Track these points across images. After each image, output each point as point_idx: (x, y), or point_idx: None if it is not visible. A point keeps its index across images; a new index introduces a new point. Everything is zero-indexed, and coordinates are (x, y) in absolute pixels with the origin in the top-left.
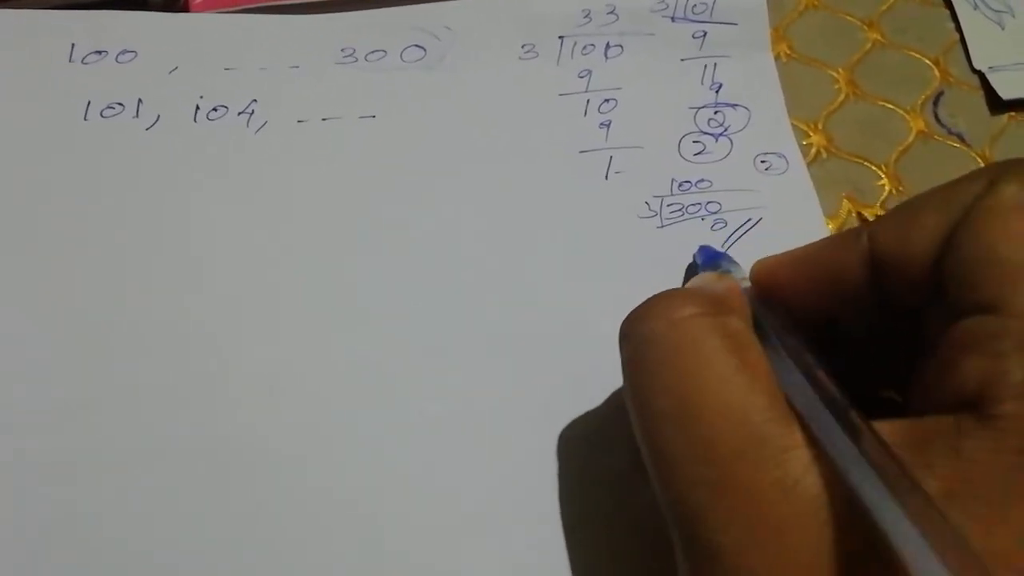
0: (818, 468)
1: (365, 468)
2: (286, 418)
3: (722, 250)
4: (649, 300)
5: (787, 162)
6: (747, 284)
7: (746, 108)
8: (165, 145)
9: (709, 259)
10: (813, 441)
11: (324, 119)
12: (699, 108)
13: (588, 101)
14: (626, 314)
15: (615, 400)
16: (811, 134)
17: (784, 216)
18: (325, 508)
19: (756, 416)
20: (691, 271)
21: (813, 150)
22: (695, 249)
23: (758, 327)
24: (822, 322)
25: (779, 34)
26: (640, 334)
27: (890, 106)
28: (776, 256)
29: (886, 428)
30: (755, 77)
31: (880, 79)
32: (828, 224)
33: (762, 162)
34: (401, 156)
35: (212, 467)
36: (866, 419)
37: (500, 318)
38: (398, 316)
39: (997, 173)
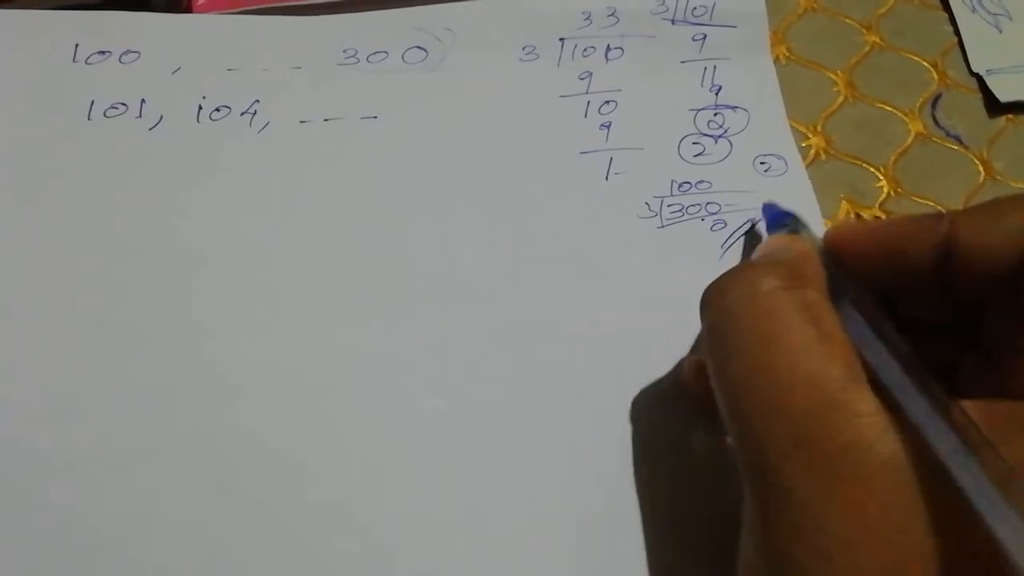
0: (892, 434)
1: (365, 466)
2: (287, 418)
3: (789, 208)
4: (731, 272)
5: (786, 164)
6: (817, 244)
7: (745, 110)
8: (168, 145)
9: (775, 219)
10: (889, 406)
11: (326, 119)
12: (699, 110)
13: (588, 103)
14: (625, 311)
15: (616, 401)
16: (810, 136)
17: None
18: (325, 506)
19: (829, 384)
20: (750, 237)
21: (812, 152)
22: (690, 252)
23: (832, 290)
24: (883, 295)
25: (778, 36)
26: (722, 306)
27: (889, 108)
28: (852, 222)
29: (963, 404)
30: (755, 79)
31: (879, 81)
32: (827, 225)
33: (761, 163)
34: (402, 156)
35: (212, 465)
36: (942, 388)
37: (501, 318)
38: (399, 315)
39: None
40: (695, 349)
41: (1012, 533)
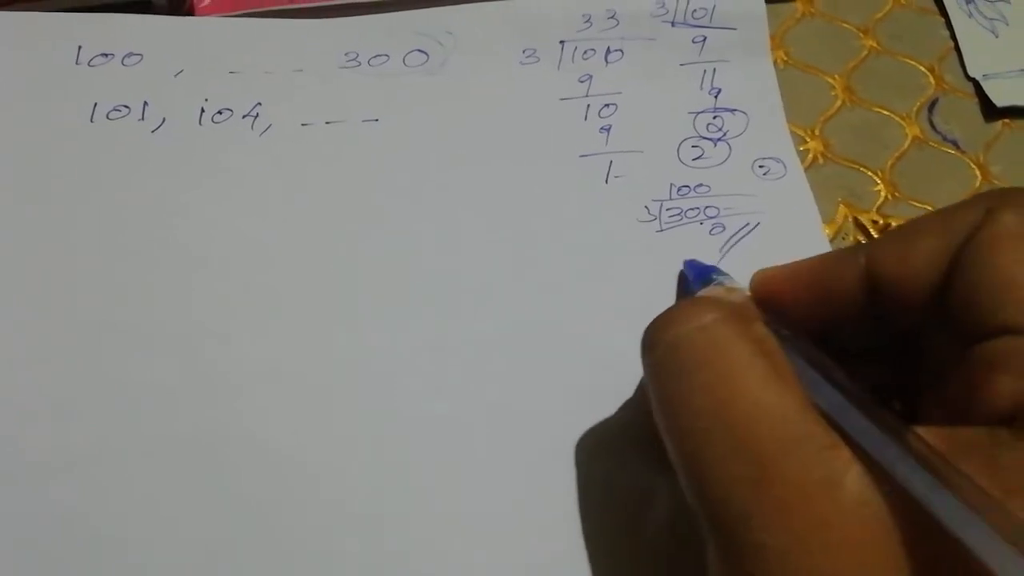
0: (857, 467)
1: (365, 466)
2: (288, 418)
3: (711, 263)
4: (671, 308)
5: (785, 167)
6: (746, 294)
7: (744, 113)
8: (170, 147)
9: (700, 274)
10: (848, 442)
11: (328, 122)
12: (698, 113)
13: (588, 105)
14: (624, 314)
15: (617, 405)
16: (808, 140)
17: (782, 221)
18: (326, 506)
19: (795, 416)
20: (682, 281)
21: (810, 156)
22: (689, 255)
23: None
24: (818, 336)
25: (776, 41)
26: (669, 339)
27: (886, 113)
28: (774, 268)
29: (922, 434)
30: (754, 82)
31: (876, 86)
32: (825, 229)
33: (760, 167)
34: (403, 159)
35: (212, 465)
36: (900, 419)
37: (500, 320)
38: (399, 317)
39: (992, 202)
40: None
41: (1001, 559)
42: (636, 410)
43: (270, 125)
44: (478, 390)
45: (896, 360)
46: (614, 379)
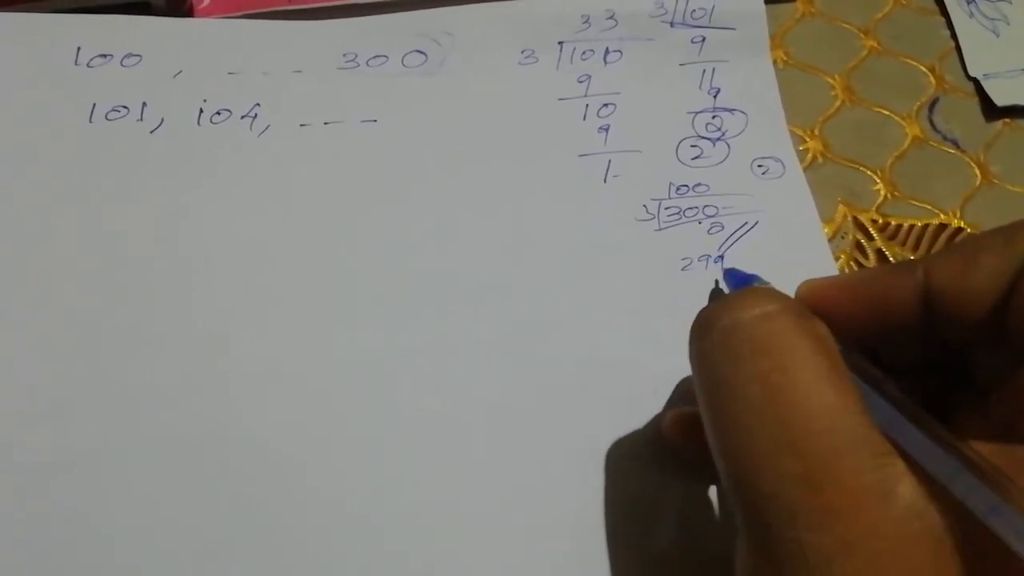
0: (911, 478)
1: (364, 466)
2: (287, 418)
3: (751, 272)
4: (729, 295)
5: (784, 166)
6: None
7: (744, 113)
8: (169, 148)
9: (742, 281)
10: (903, 454)
11: (326, 123)
12: (697, 113)
13: (587, 106)
14: (622, 312)
15: (616, 405)
16: (807, 139)
17: (781, 220)
18: (325, 506)
19: (852, 419)
20: (715, 296)
21: (809, 155)
22: (687, 255)
23: None
24: (864, 350)
25: (776, 41)
26: (728, 323)
27: (886, 112)
28: (823, 278)
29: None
30: (753, 82)
31: (876, 85)
32: (824, 228)
33: (759, 166)
34: (402, 160)
35: (212, 464)
36: (953, 434)
37: (499, 320)
38: (398, 317)
39: None
40: (673, 402)
41: None
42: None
43: (269, 126)
44: (477, 389)
45: (934, 378)
46: (613, 378)
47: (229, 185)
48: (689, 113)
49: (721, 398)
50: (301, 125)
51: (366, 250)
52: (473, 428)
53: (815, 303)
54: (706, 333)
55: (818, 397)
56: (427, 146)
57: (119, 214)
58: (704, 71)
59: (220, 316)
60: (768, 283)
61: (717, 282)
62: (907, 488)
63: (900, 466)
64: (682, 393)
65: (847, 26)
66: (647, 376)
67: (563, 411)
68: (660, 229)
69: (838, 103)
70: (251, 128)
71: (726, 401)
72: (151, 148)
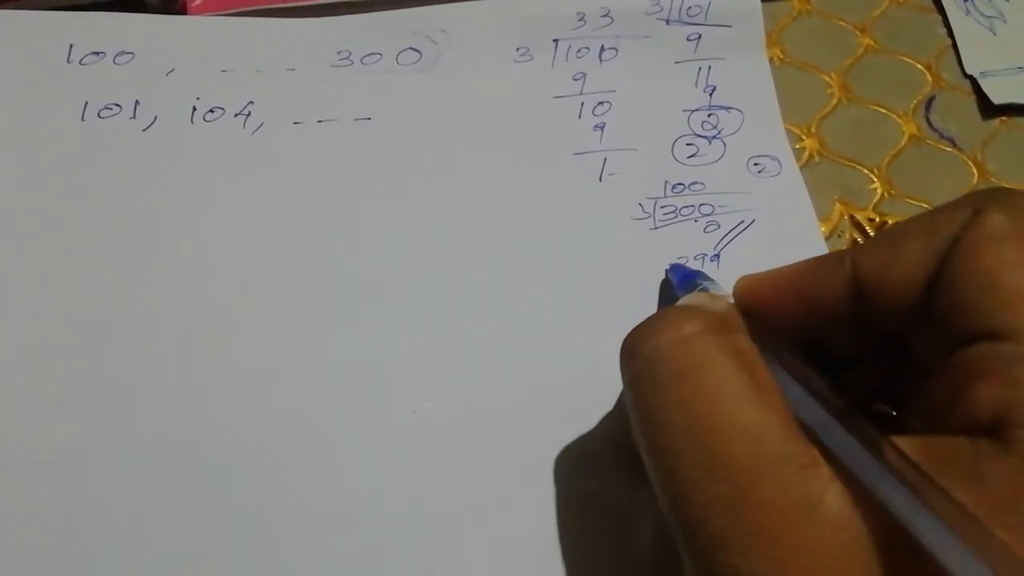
0: (837, 485)
1: (364, 467)
2: (284, 417)
3: (695, 268)
4: (652, 317)
5: (780, 165)
6: (730, 300)
7: (739, 111)
8: (162, 146)
9: (685, 278)
10: (829, 458)
11: (320, 121)
12: (693, 111)
13: (582, 104)
14: (618, 311)
15: (610, 402)
16: (804, 138)
17: (777, 219)
18: (323, 506)
19: (773, 434)
20: (665, 287)
21: (806, 153)
22: (684, 253)
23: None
24: (804, 341)
25: (772, 39)
26: (648, 350)
27: (882, 110)
28: (759, 274)
29: (900, 444)
30: (749, 79)
31: (873, 83)
32: (821, 227)
33: (755, 165)
34: (396, 158)
35: (211, 464)
36: (881, 433)
37: (495, 318)
38: (394, 316)
39: (980, 202)
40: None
41: None
42: (621, 422)
43: (262, 124)
44: (473, 387)
45: (882, 366)
46: (609, 378)
47: (223, 183)
48: (685, 111)
49: (648, 427)
50: (295, 123)
51: (361, 249)
52: (469, 427)
53: (750, 300)
54: (632, 360)
55: (739, 416)
56: (422, 144)
57: (112, 213)
58: (700, 69)
59: (215, 314)
60: (712, 282)
61: (667, 272)
62: (833, 498)
63: (826, 475)
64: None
65: (843, 24)
66: None
67: (561, 411)
68: (656, 228)
69: (834, 101)
70: (244, 126)
71: (652, 430)
72: (144, 146)
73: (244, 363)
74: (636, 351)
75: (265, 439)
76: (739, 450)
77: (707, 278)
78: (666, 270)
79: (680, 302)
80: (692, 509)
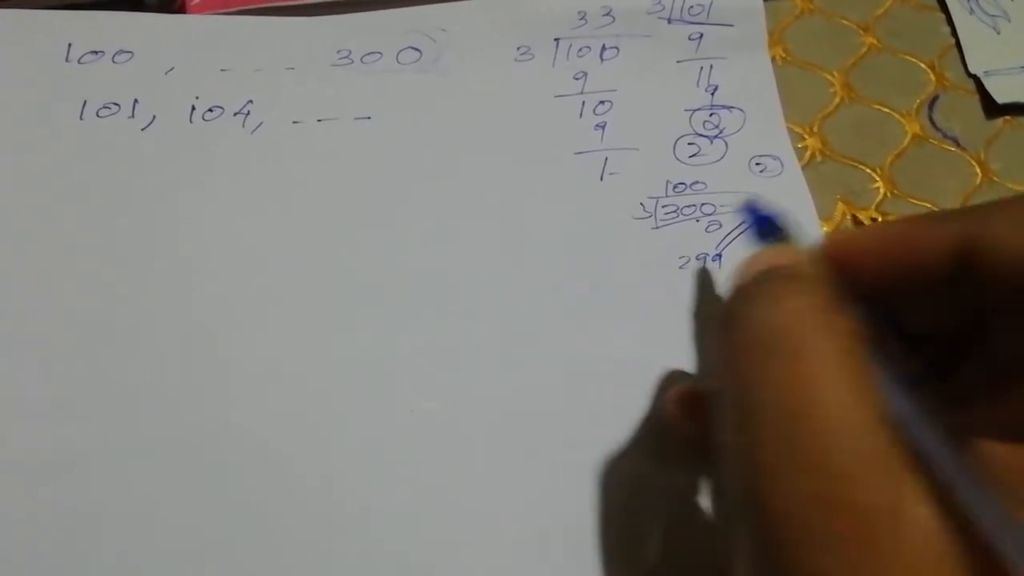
0: (927, 494)
1: (364, 467)
2: (284, 417)
3: (773, 210)
4: (758, 280)
5: (782, 164)
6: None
7: (741, 110)
8: (161, 145)
9: (765, 224)
10: (916, 459)
11: (320, 120)
12: (694, 110)
13: (583, 103)
14: (619, 310)
15: (614, 403)
16: (806, 137)
17: None
18: (323, 506)
19: (870, 434)
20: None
21: (808, 153)
22: (684, 253)
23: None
24: (883, 311)
25: (775, 38)
26: (753, 318)
27: (885, 109)
28: (851, 231)
29: (995, 450)
30: (751, 79)
31: (875, 83)
32: (823, 227)
33: (757, 164)
34: (396, 157)
35: (211, 464)
36: (965, 436)
37: (495, 318)
38: (393, 316)
39: None
40: (678, 378)
41: None
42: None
43: (261, 123)
44: (474, 387)
45: (956, 347)
46: (610, 376)
47: (222, 183)
48: (686, 110)
49: (740, 398)
50: (294, 122)
51: (361, 248)
52: (470, 429)
53: (842, 256)
54: (732, 326)
55: (839, 411)
56: (422, 143)
57: (111, 212)
58: (702, 68)
59: (213, 313)
60: (794, 229)
61: (743, 210)
62: (924, 510)
63: (916, 482)
64: (674, 381)
65: (846, 23)
66: (645, 375)
67: (561, 410)
68: (657, 227)
69: (837, 100)
70: (244, 125)
71: (745, 404)
72: (142, 145)
73: (244, 363)
74: (738, 313)
75: (265, 439)
76: (834, 447)
77: (788, 223)
78: (743, 207)
79: (772, 256)
80: (775, 498)
